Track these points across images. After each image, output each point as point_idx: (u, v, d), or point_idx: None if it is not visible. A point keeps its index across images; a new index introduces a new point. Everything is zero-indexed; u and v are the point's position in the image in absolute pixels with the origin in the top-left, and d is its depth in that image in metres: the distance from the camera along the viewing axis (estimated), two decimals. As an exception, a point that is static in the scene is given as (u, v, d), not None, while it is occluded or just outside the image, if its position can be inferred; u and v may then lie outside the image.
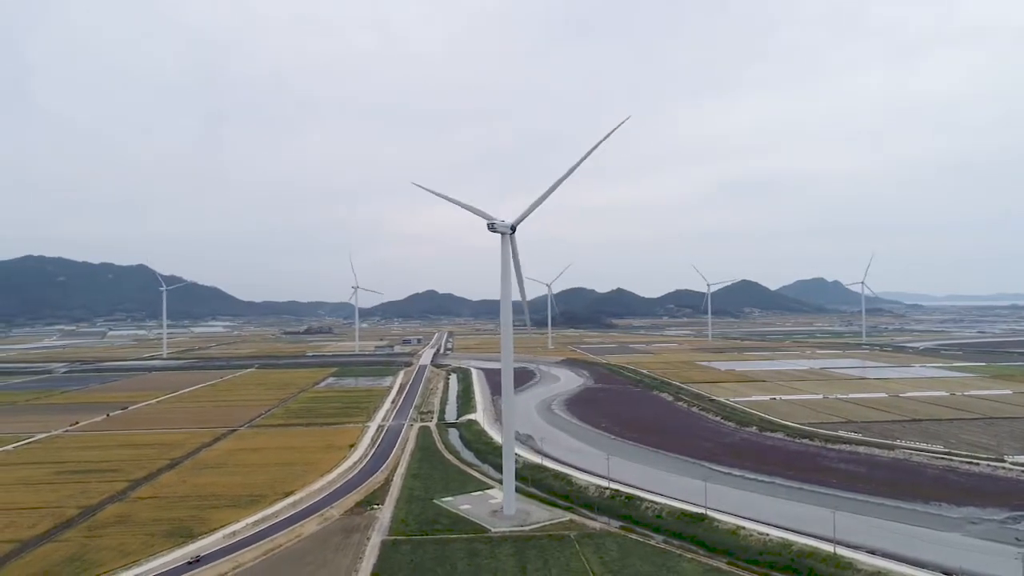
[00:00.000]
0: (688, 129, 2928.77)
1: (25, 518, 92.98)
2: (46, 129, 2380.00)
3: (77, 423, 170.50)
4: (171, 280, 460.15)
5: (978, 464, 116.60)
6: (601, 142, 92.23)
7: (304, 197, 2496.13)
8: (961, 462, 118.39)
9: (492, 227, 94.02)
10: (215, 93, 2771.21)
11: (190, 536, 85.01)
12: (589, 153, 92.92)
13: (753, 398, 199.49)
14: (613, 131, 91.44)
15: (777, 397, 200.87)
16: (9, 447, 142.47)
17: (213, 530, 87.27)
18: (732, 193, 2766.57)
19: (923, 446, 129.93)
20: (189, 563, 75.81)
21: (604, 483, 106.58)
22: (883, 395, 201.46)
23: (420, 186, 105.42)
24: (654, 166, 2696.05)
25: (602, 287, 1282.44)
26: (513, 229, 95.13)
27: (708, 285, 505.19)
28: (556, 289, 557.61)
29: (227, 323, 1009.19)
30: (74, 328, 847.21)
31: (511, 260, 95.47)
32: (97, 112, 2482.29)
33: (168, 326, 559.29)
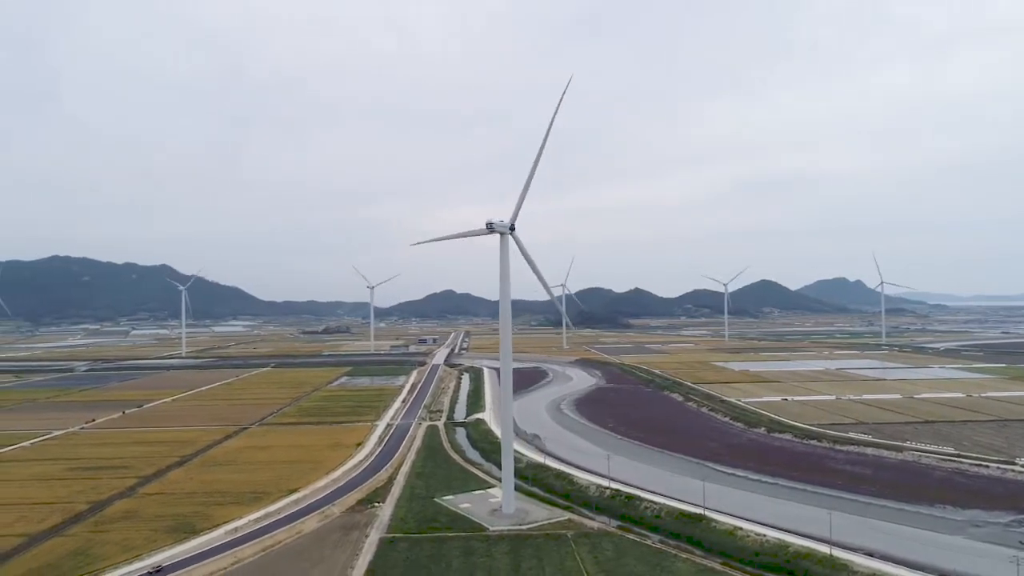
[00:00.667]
0: (703, 129, 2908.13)
1: (36, 512, 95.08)
2: (71, 132, 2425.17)
3: (93, 420, 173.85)
4: (192, 280, 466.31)
5: (988, 467, 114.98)
6: (556, 111, 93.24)
7: (324, 197, 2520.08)
8: (970, 464, 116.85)
9: (491, 227, 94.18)
10: (233, 96, 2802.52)
11: (193, 532, 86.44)
12: (550, 127, 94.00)
13: (765, 399, 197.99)
14: (563, 94, 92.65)
15: (789, 398, 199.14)
16: (26, 443, 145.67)
17: (216, 526, 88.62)
18: (752, 192, 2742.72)
19: (932, 448, 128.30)
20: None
21: (605, 483, 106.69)
22: (897, 396, 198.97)
23: (419, 243, 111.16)
24: (671, 166, 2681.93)
25: (620, 287, 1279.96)
26: (512, 228, 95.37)
27: (725, 285, 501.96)
28: (573, 289, 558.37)
29: (247, 323, 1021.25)
30: (98, 327, 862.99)
31: (509, 260, 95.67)
32: (118, 115, 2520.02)
33: (190, 325, 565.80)
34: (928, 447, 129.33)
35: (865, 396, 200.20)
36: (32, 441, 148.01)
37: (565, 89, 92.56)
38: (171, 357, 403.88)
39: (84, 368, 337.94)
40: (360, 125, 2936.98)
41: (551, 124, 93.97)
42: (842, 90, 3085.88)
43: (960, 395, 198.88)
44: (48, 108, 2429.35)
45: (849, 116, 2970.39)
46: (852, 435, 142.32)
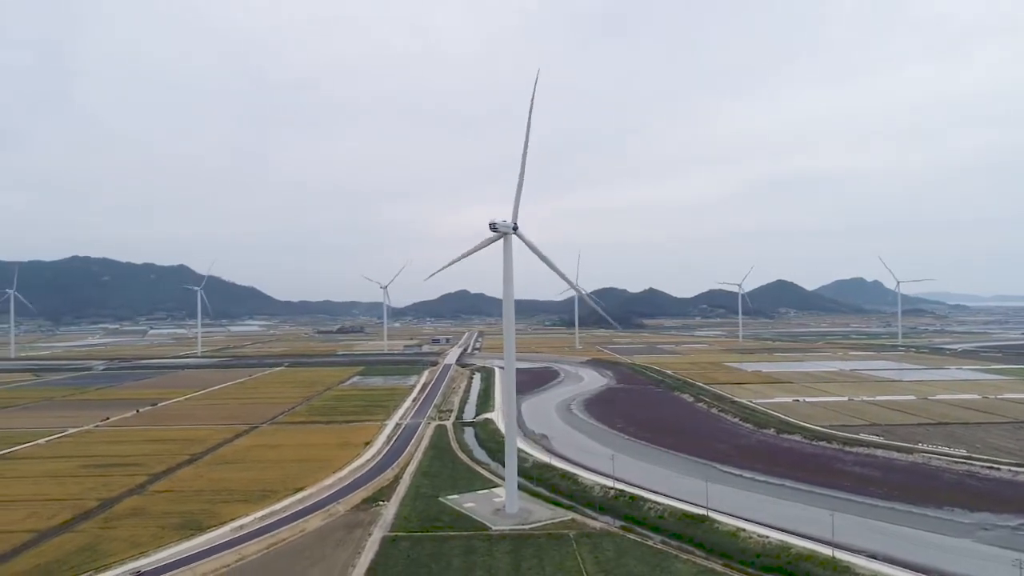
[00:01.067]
0: (718, 128, 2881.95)
1: (47, 509, 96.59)
2: (90, 133, 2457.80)
3: (108, 418, 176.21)
4: (209, 280, 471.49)
5: (999, 469, 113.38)
6: (532, 107, 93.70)
7: (340, 197, 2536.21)
8: (982, 467, 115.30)
9: (494, 227, 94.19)
10: (251, 97, 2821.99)
11: (199, 529, 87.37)
12: (530, 123, 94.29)
13: (776, 399, 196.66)
14: (534, 92, 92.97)
15: (801, 399, 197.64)
16: (41, 441, 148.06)
17: (222, 523, 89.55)
18: (768, 192, 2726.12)
19: (944, 450, 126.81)
20: None
21: (610, 483, 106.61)
22: (911, 398, 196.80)
23: (433, 274, 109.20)
24: (686, 165, 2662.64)
25: (634, 287, 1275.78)
26: (515, 228, 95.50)
27: (739, 286, 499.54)
28: (588, 289, 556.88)
29: (263, 322, 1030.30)
30: (117, 327, 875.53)
31: (512, 261, 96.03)
32: (136, 116, 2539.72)
33: (207, 325, 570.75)
34: (939, 449, 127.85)
35: (878, 397, 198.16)
36: (47, 439, 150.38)
37: (535, 85, 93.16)
38: (187, 356, 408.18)
39: (101, 367, 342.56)
40: (375, 125, 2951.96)
41: (529, 120, 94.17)
42: (860, 88, 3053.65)
43: (975, 396, 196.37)
44: (67, 109, 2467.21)
45: (868, 114, 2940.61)
46: (862, 436, 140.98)
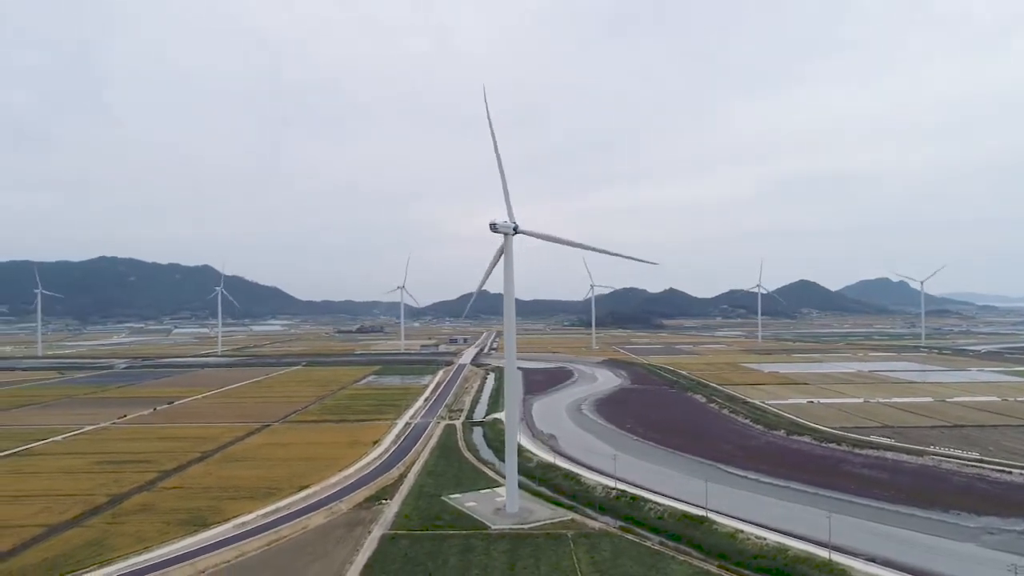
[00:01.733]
0: (741, 127, 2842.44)
1: (59, 504, 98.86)
2: (117, 135, 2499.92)
3: (125, 416, 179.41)
4: (233, 280, 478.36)
5: (1011, 473, 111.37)
6: (489, 117, 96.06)
7: (360, 197, 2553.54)
8: (993, 470, 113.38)
9: (494, 228, 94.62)
10: (272, 97, 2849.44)
11: (204, 525, 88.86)
12: (492, 131, 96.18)
13: (789, 401, 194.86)
14: (487, 105, 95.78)
15: (815, 400, 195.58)
16: (59, 437, 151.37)
17: (226, 520, 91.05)
18: (792, 191, 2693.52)
19: (956, 453, 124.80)
20: None
21: (612, 483, 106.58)
22: (929, 399, 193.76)
23: (469, 306, 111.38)
24: (708, 165, 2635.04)
25: (654, 287, 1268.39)
26: (516, 229, 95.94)
27: (758, 286, 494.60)
28: (607, 290, 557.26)
29: (285, 322, 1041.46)
30: (142, 326, 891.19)
31: (513, 261, 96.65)
32: (159, 117, 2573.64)
33: (230, 325, 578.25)
34: (951, 452, 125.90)
35: (895, 399, 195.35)
36: (64, 436, 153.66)
37: (485, 97, 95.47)
38: (207, 355, 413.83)
39: (123, 365, 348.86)
40: (394, 126, 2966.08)
41: (492, 131, 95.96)
42: (887, 86, 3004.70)
43: (995, 399, 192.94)
44: (92, 111, 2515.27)
45: (896, 113, 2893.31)
46: (873, 438, 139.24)
